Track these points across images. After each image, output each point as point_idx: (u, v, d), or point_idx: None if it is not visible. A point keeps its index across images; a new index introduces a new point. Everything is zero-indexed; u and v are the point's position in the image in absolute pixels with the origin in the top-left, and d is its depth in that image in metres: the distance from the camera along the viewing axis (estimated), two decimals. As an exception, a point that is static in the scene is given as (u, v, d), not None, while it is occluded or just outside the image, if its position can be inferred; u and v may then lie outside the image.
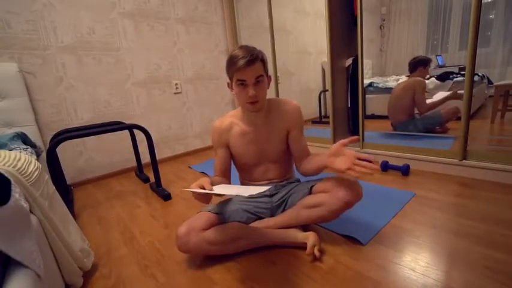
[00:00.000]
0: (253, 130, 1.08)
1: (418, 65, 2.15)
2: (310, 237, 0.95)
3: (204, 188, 0.84)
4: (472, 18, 1.30)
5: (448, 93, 2.22)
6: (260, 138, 1.09)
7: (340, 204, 0.91)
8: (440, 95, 2.24)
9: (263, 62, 0.97)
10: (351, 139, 0.92)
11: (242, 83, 0.95)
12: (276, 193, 1.13)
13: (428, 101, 2.20)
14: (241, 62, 0.91)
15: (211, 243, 0.93)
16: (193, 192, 0.84)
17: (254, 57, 0.92)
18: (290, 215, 1.04)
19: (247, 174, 1.17)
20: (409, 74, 2.29)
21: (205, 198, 0.89)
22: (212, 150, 1.20)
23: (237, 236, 0.97)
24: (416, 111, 2.24)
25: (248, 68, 0.92)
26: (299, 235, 0.99)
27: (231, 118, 1.12)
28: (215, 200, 1.07)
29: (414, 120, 2.21)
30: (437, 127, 2.18)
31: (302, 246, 0.98)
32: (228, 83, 1.02)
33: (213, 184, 0.93)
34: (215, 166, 1.14)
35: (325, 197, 0.95)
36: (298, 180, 1.21)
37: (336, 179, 0.97)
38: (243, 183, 1.23)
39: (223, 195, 0.88)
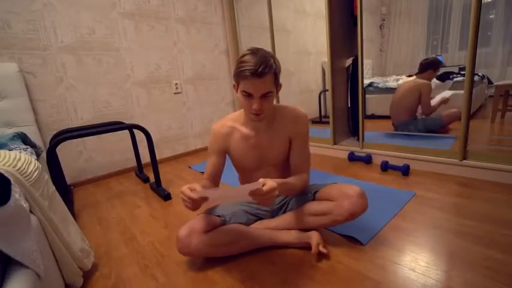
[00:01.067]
0: (255, 135, 1.02)
1: (429, 67, 2.13)
2: (313, 237, 0.95)
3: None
4: (472, 18, 1.29)
5: (440, 97, 2.23)
6: (262, 143, 1.04)
7: (346, 215, 0.91)
8: (445, 93, 2.26)
9: (275, 74, 0.87)
10: None
11: (248, 95, 0.87)
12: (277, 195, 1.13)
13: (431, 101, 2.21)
14: (249, 74, 0.82)
15: (212, 246, 0.93)
16: (186, 197, 0.78)
17: (266, 71, 0.82)
18: (292, 218, 1.04)
19: (248, 177, 1.15)
20: (410, 74, 2.29)
21: (195, 204, 0.80)
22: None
23: (238, 238, 0.97)
24: (418, 111, 2.24)
25: (256, 81, 0.83)
26: (301, 235, 0.99)
27: (231, 122, 1.05)
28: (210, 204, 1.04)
29: (416, 120, 2.21)
30: (438, 129, 2.19)
31: (304, 247, 0.98)
32: (234, 85, 0.94)
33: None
34: (206, 169, 1.05)
35: (331, 207, 0.94)
36: None
37: (341, 187, 0.96)
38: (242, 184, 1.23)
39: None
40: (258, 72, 0.81)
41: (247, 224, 1.05)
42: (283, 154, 1.06)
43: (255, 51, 0.85)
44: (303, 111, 1.04)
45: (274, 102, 1.00)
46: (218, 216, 1.01)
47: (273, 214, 1.11)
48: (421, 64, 2.16)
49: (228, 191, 0.85)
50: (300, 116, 1.03)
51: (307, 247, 0.97)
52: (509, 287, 0.74)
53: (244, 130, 1.03)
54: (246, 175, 1.15)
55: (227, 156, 1.10)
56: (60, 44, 1.86)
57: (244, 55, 0.86)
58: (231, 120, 1.06)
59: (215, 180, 1.06)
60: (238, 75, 0.86)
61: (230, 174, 1.21)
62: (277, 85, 0.92)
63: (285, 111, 1.03)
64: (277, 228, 1.04)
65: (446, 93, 2.33)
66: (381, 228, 1.07)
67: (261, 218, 1.10)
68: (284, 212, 1.09)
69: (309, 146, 1.06)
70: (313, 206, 0.99)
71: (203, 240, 0.92)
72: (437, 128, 2.16)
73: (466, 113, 1.42)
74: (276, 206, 1.10)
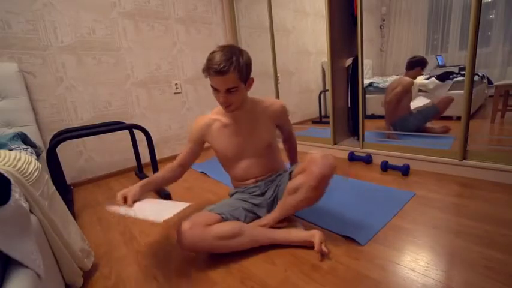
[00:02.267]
0: (234, 123, 1.10)
1: (417, 65, 2.17)
2: (316, 235, 0.95)
3: (125, 201, 0.97)
4: (472, 18, 1.29)
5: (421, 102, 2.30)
6: (242, 131, 1.10)
7: (316, 179, 0.91)
8: (419, 100, 2.31)
9: (239, 71, 0.93)
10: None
11: (215, 89, 0.97)
12: (267, 190, 1.16)
13: (413, 102, 2.27)
14: (213, 72, 0.91)
15: (214, 238, 0.93)
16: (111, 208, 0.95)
17: (226, 69, 0.89)
18: (280, 207, 1.06)
19: (232, 170, 1.20)
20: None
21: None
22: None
23: (238, 232, 0.97)
24: (412, 107, 2.27)
25: (219, 78, 0.92)
26: (303, 234, 1.00)
27: (214, 115, 1.14)
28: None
29: (412, 115, 2.24)
30: (435, 117, 2.23)
31: (305, 245, 0.98)
32: None
33: (151, 185, 1.09)
34: (180, 155, 1.19)
35: (302, 177, 0.96)
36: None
37: (308, 157, 0.98)
38: (233, 185, 1.27)
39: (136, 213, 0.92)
40: (219, 70, 0.89)
41: (245, 221, 1.07)
42: (264, 142, 1.12)
43: (221, 49, 0.93)
44: (282, 102, 1.19)
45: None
46: (218, 214, 1.02)
47: (269, 208, 1.13)
48: (409, 62, 2.20)
49: (154, 204, 0.99)
50: (282, 105, 1.17)
51: (308, 246, 0.97)
52: (509, 287, 0.74)
53: (224, 120, 1.11)
54: (230, 166, 1.19)
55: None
56: (60, 44, 1.86)
57: (212, 52, 0.94)
58: (214, 113, 1.15)
59: (183, 165, 1.19)
60: (205, 72, 0.95)
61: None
62: (246, 80, 0.98)
63: (264, 103, 1.14)
64: (273, 223, 1.06)
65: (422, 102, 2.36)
66: (379, 229, 1.07)
67: (258, 216, 1.12)
68: (276, 202, 1.12)
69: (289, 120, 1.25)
70: (289, 185, 1.01)
71: (205, 232, 0.92)
72: (434, 115, 2.20)
73: (466, 113, 1.42)
74: (270, 200, 1.14)
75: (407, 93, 2.21)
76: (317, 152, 0.97)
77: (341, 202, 1.30)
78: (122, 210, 0.90)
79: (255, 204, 1.13)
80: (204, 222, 0.95)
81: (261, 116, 1.12)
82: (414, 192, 1.34)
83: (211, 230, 0.93)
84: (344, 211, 1.21)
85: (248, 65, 0.97)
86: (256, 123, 1.11)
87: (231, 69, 0.90)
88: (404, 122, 2.23)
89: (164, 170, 1.17)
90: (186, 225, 0.92)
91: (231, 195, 1.23)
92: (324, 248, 0.92)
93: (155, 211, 0.91)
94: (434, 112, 2.21)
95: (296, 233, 1.01)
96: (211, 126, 1.13)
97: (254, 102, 1.12)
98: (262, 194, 1.16)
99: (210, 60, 0.92)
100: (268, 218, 1.07)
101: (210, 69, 0.91)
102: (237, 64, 0.92)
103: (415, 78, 2.19)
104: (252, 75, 1.03)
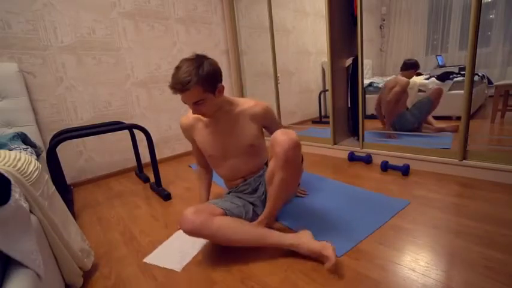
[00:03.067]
0: (215, 122, 1.12)
1: (411, 67, 2.25)
2: (329, 249, 0.86)
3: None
4: (472, 18, 1.29)
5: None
6: (222, 131, 1.11)
7: (282, 158, 0.91)
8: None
9: (202, 84, 0.92)
10: None
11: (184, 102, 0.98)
12: (258, 186, 1.18)
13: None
14: (173, 90, 0.93)
15: (217, 228, 0.91)
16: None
17: (185, 88, 0.90)
18: (268, 200, 1.06)
19: (220, 170, 1.21)
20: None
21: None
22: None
23: (239, 225, 0.96)
24: (408, 105, 2.30)
25: (182, 95, 0.94)
26: (314, 244, 0.91)
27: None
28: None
29: (408, 110, 2.27)
30: (430, 110, 2.28)
31: (313, 256, 0.91)
32: None
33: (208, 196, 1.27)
34: (194, 156, 1.31)
35: (272, 162, 0.97)
36: None
37: (272, 139, 0.96)
38: (226, 185, 1.31)
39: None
40: (178, 89, 0.91)
41: (245, 217, 1.09)
42: (246, 141, 1.12)
43: (181, 65, 0.93)
44: (264, 104, 1.15)
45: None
46: (221, 208, 1.03)
47: (264, 205, 1.13)
48: (405, 63, 2.28)
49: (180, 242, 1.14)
50: (259, 104, 1.13)
51: (314, 257, 0.91)
52: (509, 287, 0.74)
53: (205, 120, 1.14)
54: (217, 165, 1.21)
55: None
56: (60, 44, 1.86)
57: (176, 67, 0.94)
58: None
59: (201, 163, 1.30)
60: (170, 89, 0.94)
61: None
62: (214, 89, 0.98)
63: (246, 105, 1.12)
64: (270, 217, 1.07)
65: None
66: (360, 240, 1.00)
67: (257, 214, 1.13)
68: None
69: (276, 118, 1.22)
70: (266, 175, 1.02)
71: (209, 220, 0.92)
72: (429, 108, 2.26)
73: (466, 113, 1.42)
74: (263, 197, 1.17)
75: (404, 92, 2.27)
76: (279, 131, 0.96)
77: (330, 208, 1.27)
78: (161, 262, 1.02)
79: (251, 203, 1.16)
80: (208, 211, 0.96)
81: (240, 118, 1.10)
82: (408, 201, 1.27)
83: (215, 220, 0.93)
84: (330, 218, 1.18)
85: (213, 75, 0.95)
86: (236, 124, 1.10)
87: (190, 86, 0.90)
88: (402, 119, 2.27)
89: (201, 180, 1.31)
90: (190, 209, 0.93)
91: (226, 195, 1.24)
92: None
93: (179, 252, 1.05)
94: (428, 104, 2.26)
95: (305, 240, 0.93)
96: (195, 126, 1.16)
97: (232, 103, 1.11)
98: (255, 191, 1.18)
99: (172, 77, 0.93)
100: (261, 217, 1.07)
101: (172, 87, 0.93)
102: (197, 79, 0.90)
103: (410, 78, 2.27)
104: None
